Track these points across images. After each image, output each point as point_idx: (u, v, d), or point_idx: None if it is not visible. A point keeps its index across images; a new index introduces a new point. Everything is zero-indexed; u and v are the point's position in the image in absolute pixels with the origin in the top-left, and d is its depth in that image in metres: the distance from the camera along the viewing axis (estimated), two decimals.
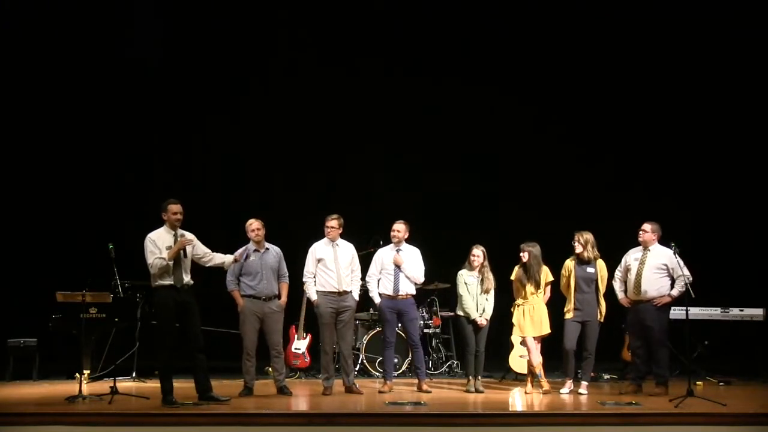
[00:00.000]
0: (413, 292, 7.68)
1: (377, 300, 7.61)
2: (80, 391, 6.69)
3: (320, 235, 7.47)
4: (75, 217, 9.80)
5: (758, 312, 8.49)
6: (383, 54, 10.36)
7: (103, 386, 7.05)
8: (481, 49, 10.34)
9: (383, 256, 7.65)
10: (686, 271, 7.13)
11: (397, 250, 7.60)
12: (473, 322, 7.49)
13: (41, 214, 9.84)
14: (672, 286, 7.25)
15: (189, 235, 6.61)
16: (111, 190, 10.06)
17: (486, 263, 7.59)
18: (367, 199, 10.08)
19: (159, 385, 6.44)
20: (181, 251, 6.50)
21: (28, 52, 9.84)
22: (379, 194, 10.17)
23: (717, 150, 9.95)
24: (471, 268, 7.58)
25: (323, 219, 7.43)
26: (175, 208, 6.55)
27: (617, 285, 7.51)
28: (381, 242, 8.10)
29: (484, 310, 7.51)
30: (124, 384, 7.75)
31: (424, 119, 10.45)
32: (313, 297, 7.34)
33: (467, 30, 10.32)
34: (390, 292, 7.54)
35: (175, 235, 6.52)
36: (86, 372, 7.71)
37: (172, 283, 6.45)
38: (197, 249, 6.66)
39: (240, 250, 6.91)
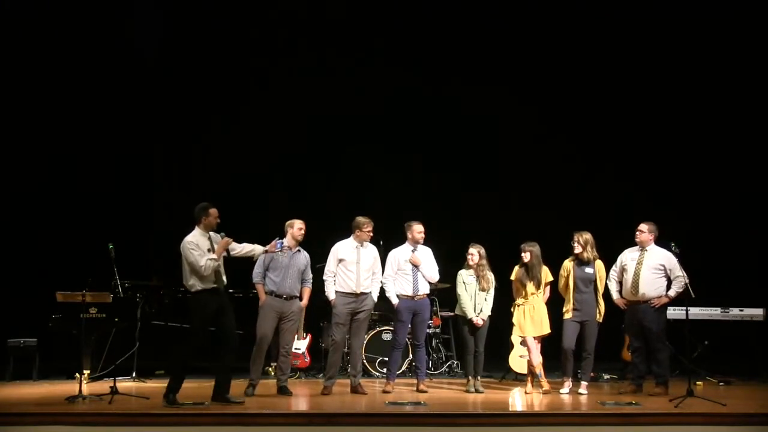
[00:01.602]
0: (428, 291, 7.67)
1: (395, 301, 7.53)
2: (80, 391, 6.68)
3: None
4: (75, 217, 9.80)
5: (758, 312, 8.49)
6: (384, 54, 10.35)
7: (103, 386, 7.04)
8: (484, 49, 10.33)
9: (398, 256, 7.59)
10: (683, 272, 7.13)
11: (412, 250, 7.59)
12: (470, 322, 7.49)
13: (41, 214, 9.84)
14: (668, 287, 7.25)
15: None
16: (111, 190, 10.05)
17: (484, 262, 7.57)
18: (366, 199, 10.06)
19: (159, 385, 6.43)
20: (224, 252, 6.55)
21: (31, 51, 9.84)
22: (379, 194, 10.16)
23: (717, 150, 9.95)
24: (468, 267, 7.58)
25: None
26: (216, 211, 6.58)
27: (613, 285, 7.48)
28: (381, 242, 8.08)
29: (481, 310, 7.50)
30: (124, 384, 7.73)
31: (425, 119, 10.44)
32: (332, 296, 7.31)
33: (469, 29, 10.32)
34: (409, 292, 7.50)
35: (209, 238, 6.53)
36: (86, 372, 7.70)
37: (215, 286, 6.45)
38: (232, 243, 6.67)
39: (273, 242, 6.86)
